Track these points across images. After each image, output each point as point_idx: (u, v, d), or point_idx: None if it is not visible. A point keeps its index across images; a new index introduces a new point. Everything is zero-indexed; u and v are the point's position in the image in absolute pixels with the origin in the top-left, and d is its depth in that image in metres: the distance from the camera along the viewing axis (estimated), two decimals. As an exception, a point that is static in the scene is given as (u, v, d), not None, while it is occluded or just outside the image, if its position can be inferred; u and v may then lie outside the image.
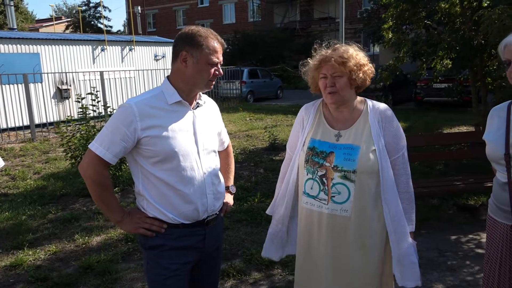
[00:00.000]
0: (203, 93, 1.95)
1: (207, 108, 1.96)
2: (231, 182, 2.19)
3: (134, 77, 14.43)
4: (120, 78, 13.50)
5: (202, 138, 1.85)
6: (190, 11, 37.11)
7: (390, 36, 7.25)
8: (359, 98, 2.01)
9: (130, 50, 15.37)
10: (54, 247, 4.05)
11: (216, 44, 1.78)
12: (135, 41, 15.53)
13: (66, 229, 4.52)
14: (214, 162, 1.92)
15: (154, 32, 35.36)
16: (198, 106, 1.89)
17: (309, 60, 1.99)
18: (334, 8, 26.37)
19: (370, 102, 1.99)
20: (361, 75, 1.89)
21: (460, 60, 6.35)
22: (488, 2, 5.89)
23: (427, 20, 7.30)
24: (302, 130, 2.05)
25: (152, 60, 16.22)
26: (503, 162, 1.87)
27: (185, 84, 1.80)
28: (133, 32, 17.51)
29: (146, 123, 1.72)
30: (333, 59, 1.86)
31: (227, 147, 2.20)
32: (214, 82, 1.83)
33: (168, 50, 16.89)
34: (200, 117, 1.87)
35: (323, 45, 1.96)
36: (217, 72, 1.80)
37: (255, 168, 6.76)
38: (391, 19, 7.17)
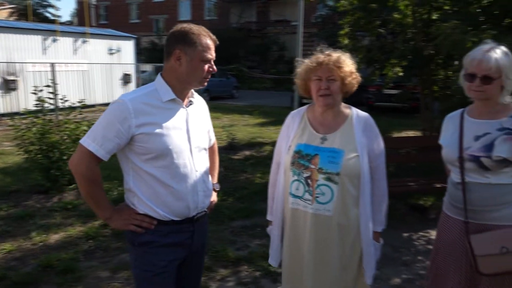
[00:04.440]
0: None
1: (198, 106, 2.00)
2: (215, 179, 2.24)
3: (88, 70, 13.94)
4: (73, 71, 13.00)
5: (195, 135, 1.88)
6: (144, 5, 36.28)
7: (346, 42, 7.55)
8: (343, 104, 2.14)
9: (84, 42, 14.83)
10: (8, 245, 3.89)
11: (209, 41, 1.82)
12: (89, 33, 15.01)
13: (20, 226, 4.34)
14: (205, 160, 1.96)
15: (106, 24, 34.19)
16: (190, 104, 1.92)
17: (304, 61, 2.07)
18: (291, 11, 26.82)
19: (354, 110, 2.12)
20: (352, 80, 2.04)
21: (411, 69, 6.73)
22: (437, 15, 6.29)
23: (381, 28, 7.64)
24: (287, 136, 2.15)
25: (106, 53, 15.72)
26: (457, 164, 2.07)
27: (179, 82, 1.83)
28: (87, 23, 16.88)
29: (140, 120, 1.72)
30: (331, 62, 1.98)
31: (213, 144, 2.23)
32: (208, 79, 1.87)
33: (123, 44, 16.44)
34: (193, 114, 1.91)
35: (317, 50, 2.07)
36: (211, 69, 1.84)
37: (215, 167, 6.79)
38: (348, 26, 7.46)
